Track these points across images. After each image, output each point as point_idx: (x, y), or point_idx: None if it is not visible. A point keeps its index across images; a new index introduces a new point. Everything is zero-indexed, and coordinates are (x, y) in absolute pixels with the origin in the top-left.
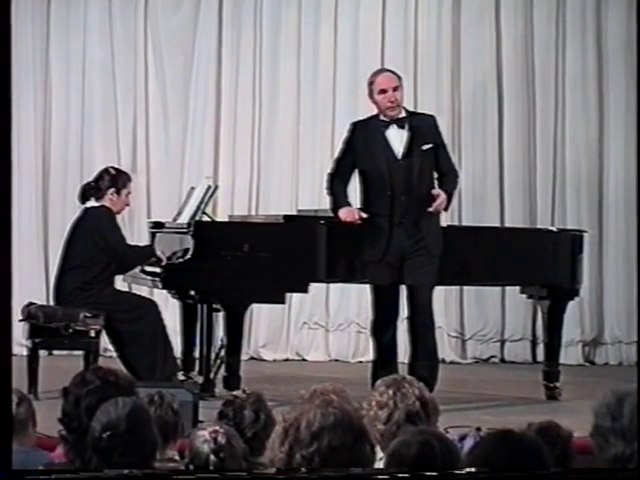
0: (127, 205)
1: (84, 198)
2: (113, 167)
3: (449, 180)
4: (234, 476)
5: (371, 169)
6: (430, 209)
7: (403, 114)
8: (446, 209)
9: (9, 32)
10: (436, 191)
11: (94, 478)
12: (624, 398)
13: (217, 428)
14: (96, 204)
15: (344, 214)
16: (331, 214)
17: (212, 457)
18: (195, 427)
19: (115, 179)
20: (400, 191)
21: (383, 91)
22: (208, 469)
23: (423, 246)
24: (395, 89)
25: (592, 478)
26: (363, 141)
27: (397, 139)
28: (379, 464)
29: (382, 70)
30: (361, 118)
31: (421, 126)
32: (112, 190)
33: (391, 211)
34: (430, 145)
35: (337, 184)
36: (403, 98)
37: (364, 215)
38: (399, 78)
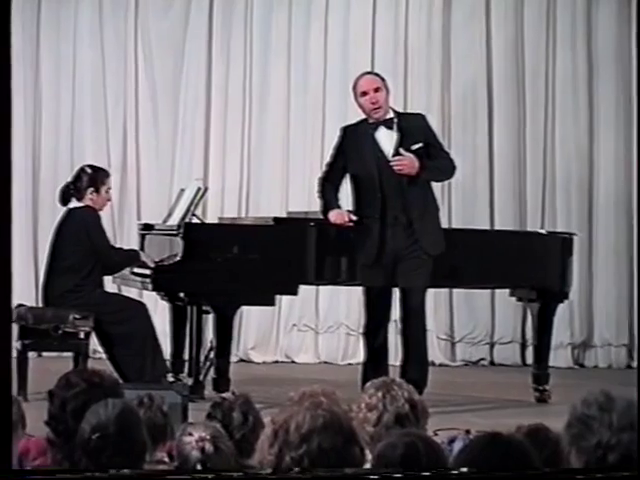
0: (108, 200)
1: (65, 199)
2: (90, 165)
3: (440, 161)
4: (224, 476)
5: (362, 172)
6: (393, 165)
7: (391, 115)
8: (418, 176)
9: (9, 32)
10: (403, 152)
11: (94, 478)
12: (614, 397)
13: (203, 434)
14: (79, 205)
15: (334, 216)
16: (321, 216)
17: (199, 467)
18: (182, 429)
19: (93, 178)
20: (392, 192)
21: (364, 93)
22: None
23: (417, 248)
24: (376, 90)
25: (592, 478)
26: (353, 145)
27: (387, 140)
28: (368, 466)
29: (364, 73)
30: (350, 122)
31: (410, 126)
32: (91, 189)
33: (383, 213)
34: (420, 144)
35: (328, 188)
36: (388, 99)
37: (354, 217)
38: (382, 80)
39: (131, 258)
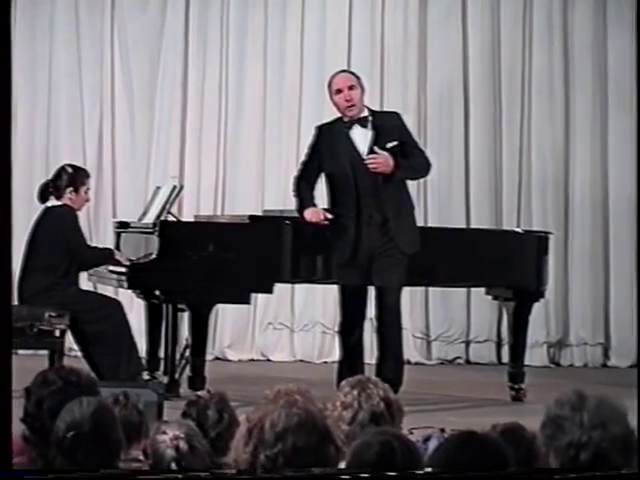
0: (87, 201)
1: (43, 197)
2: (70, 165)
3: (415, 159)
4: (193, 476)
5: (336, 170)
6: (368, 163)
7: (365, 113)
8: (393, 174)
9: (9, 32)
10: (378, 150)
11: (94, 478)
12: (586, 396)
13: (178, 433)
14: (57, 203)
15: (309, 214)
16: (297, 215)
17: (174, 465)
18: (156, 427)
19: (73, 177)
20: (366, 191)
21: (339, 91)
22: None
23: (393, 246)
24: (351, 88)
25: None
26: (328, 144)
27: (361, 139)
28: (343, 465)
29: (339, 71)
30: (325, 121)
31: (385, 124)
32: (71, 189)
33: (358, 211)
34: (395, 142)
35: (303, 187)
36: (362, 97)
37: (329, 216)
38: (357, 78)
39: (106, 257)
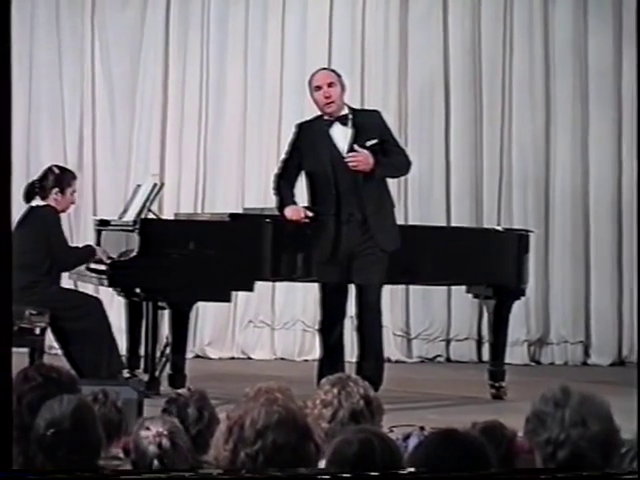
0: (72, 203)
1: (29, 197)
2: (57, 166)
3: (395, 157)
4: (175, 477)
5: (316, 168)
6: (348, 161)
7: (346, 111)
8: (372, 172)
9: (9, 32)
10: (357, 148)
11: (94, 478)
12: (571, 392)
13: (161, 429)
14: (41, 203)
15: (290, 212)
16: (277, 212)
17: (156, 462)
18: (140, 423)
19: (59, 178)
20: (346, 189)
21: (318, 88)
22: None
23: (373, 244)
24: (330, 85)
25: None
26: (308, 141)
27: (341, 137)
28: (323, 463)
29: (320, 69)
30: (306, 119)
31: (366, 122)
32: (56, 190)
33: (338, 209)
34: (375, 140)
35: (283, 185)
36: (342, 95)
37: (310, 214)
38: (338, 76)
39: (87, 254)
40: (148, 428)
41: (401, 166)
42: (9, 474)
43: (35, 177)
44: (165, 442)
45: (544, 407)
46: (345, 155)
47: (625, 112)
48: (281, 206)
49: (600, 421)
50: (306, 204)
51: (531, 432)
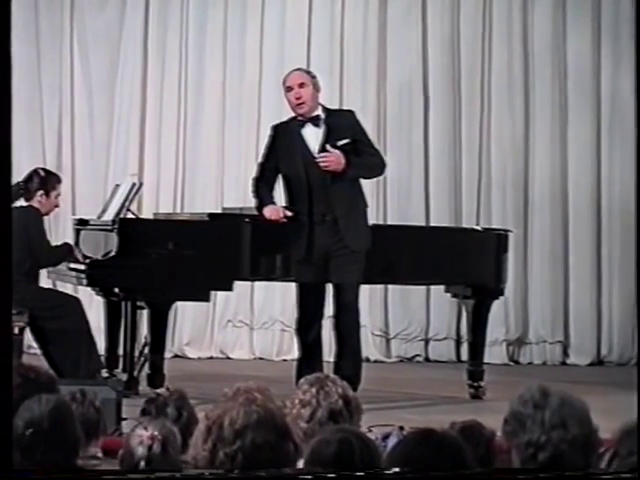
0: (56, 206)
1: (12, 198)
2: (43, 169)
3: (367, 157)
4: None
5: (291, 170)
6: (319, 161)
7: (319, 111)
8: (344, 173)
9: (9, 32)
10: (329, 148)
11: (94, 478)
12: (550, 394)
13: (156, 433)
14: (25, 204)
15: (268, 212)
16: (256, 212)
17: (142, 463)
18: (139, 422)
19: (44, 181)
20: (318, 189)
21: (289, 88)
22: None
23: (344, 245)
24: (301, 85)
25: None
26: (283, 143)
27: (313, 137)
28: (302, 462)
29: (293, 70)
30: (281, 121)
31: (338, 122)
32: (41, 192)
33: (310, 210)
34: (347, 140)
35: (262, 187)
36: (315, 96)
37: (289, 213)
38: (313, 77)
39: (65, 252)
40: (145, 428)
41: (374, 166)
42: (9, 474)
43: (20, 179)
44: (156, 446)
45: (522, 409)
46: (316, 155)
47: (604, 112)
48: (260, 207)
49: (579, 422)
50: (284, 204)
51: (510, 433)
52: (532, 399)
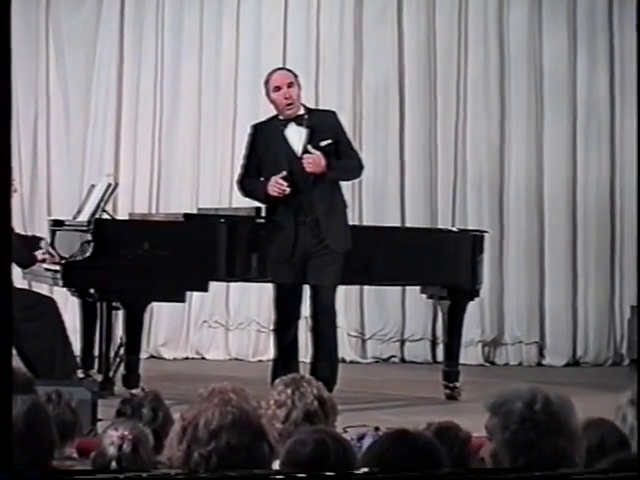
0: (14, 191)
1: None
2: None
3: (347, 160)
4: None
5: (273, 169)
6: (303, 162)
7: (302, 111)
8: (324, 175)
9: (9, 32)
10: (311, 149)
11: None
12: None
13: (126, 433)
14: None
15: (271, 187)
16: (231, 213)
17: (114, 463)
18: (111, 423)
19: None
20: (301, 190)
21: (278, 88)
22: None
23: (325, 245)
24: (289, 85)
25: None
26: (264, 142)
27: (296, 137)
28: (277, 463)
29: (277, 69)
30: (261, 120)
31: (321, 122)
32: None
33: (294, 210)
34: (329, 141)
35: (248, 183)
36: (300, 95)
37: (286, 183)
38: (295, 76)
39: (35, 242)
40: (116, 429)
41: (353, 170)
42: (9, 474)
43: None
44: (126, 446)
45: (512, 405)
46: (300, 156)
47: (579, 113)
48: (259, 193)
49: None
50: (262, 210)
51: (493, 432)
52: (521, 398)
